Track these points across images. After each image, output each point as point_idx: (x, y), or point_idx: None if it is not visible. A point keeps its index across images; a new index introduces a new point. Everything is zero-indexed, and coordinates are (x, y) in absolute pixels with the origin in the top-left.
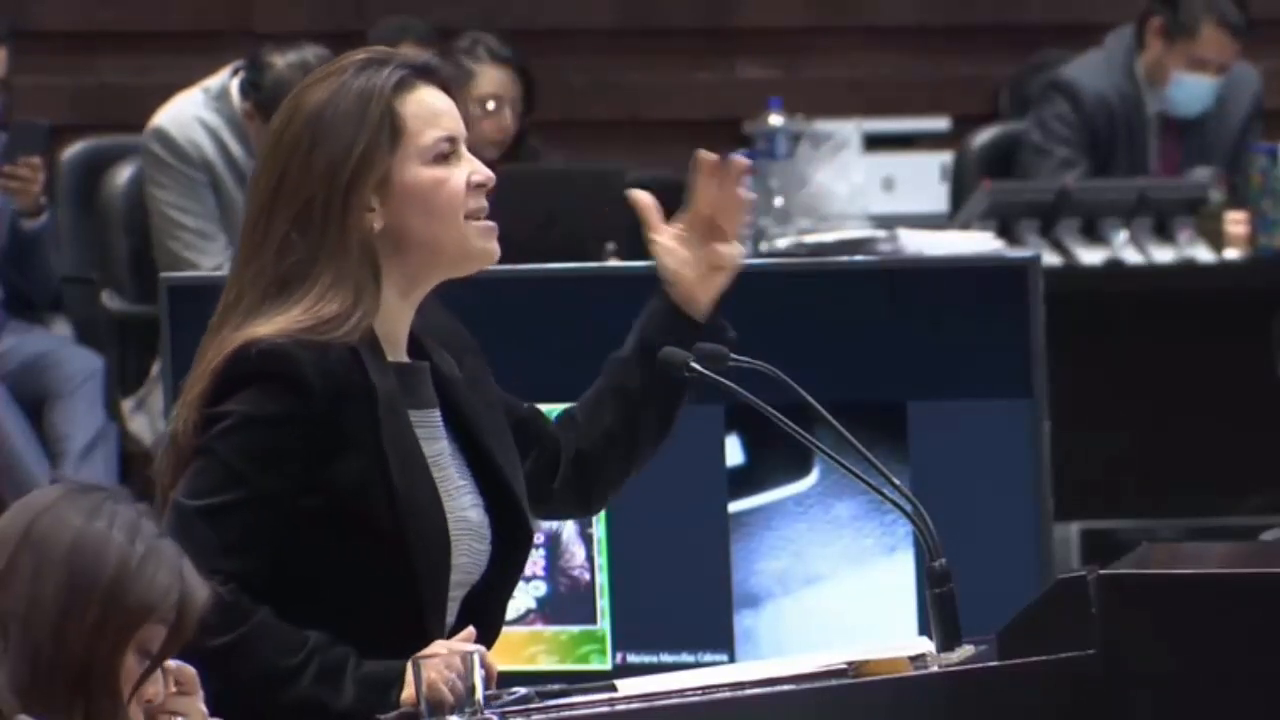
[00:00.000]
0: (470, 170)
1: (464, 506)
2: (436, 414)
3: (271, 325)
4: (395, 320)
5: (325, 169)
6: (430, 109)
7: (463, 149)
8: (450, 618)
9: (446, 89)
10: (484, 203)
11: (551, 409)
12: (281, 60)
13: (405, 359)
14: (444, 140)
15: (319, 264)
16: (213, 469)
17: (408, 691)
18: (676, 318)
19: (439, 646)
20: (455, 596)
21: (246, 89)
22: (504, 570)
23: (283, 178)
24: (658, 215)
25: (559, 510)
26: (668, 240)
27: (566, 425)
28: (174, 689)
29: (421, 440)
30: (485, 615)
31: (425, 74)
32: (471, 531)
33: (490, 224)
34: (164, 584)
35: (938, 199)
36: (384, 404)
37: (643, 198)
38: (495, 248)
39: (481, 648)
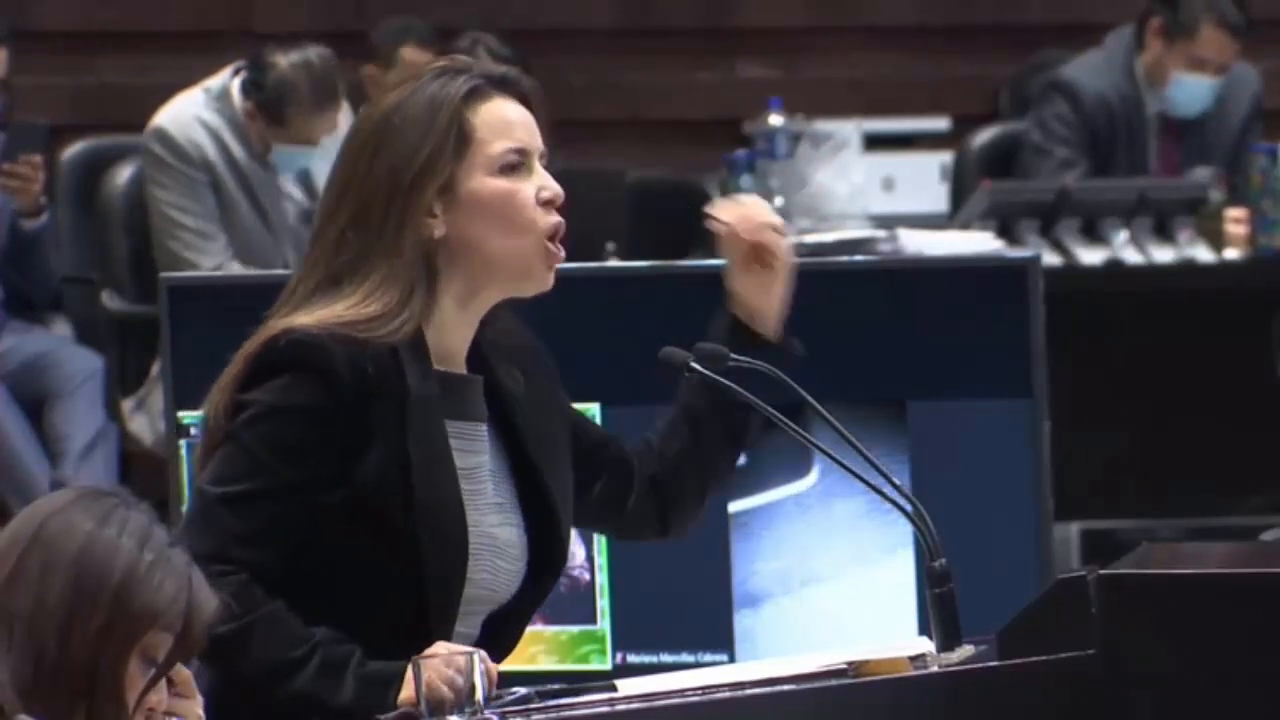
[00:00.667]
0: (540, 185)
1: (493, 523)
2: (483, 428)
3: (311, 316)
4: (451, 330)
5: (388, 170)
6: (502, 119)
7: (535, 163)
8: (473, 630)
9: (526, 102)
10: (556, 218)
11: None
12: (284, 60)
13: (459, 370)
14: (513, 151)
15: (371, 262)
16: (237, 457)
17: (407, 691)
18: (740, 333)
19: (440, 647)
20: (477, 611)
21: (248, 89)
22: (531, 593)
23: (349, 177)
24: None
25: (636, 534)
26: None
27: (643, 450)
28: (172, 691)
29: (457, 451)
30: (504, 634)
31: (502, 85)
32: (496, 549)
33: (559, 253)
34: (170, 592)
35: (938, 199)
36: (416, 407)
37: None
38: (551, 278)
39: (481, 651)
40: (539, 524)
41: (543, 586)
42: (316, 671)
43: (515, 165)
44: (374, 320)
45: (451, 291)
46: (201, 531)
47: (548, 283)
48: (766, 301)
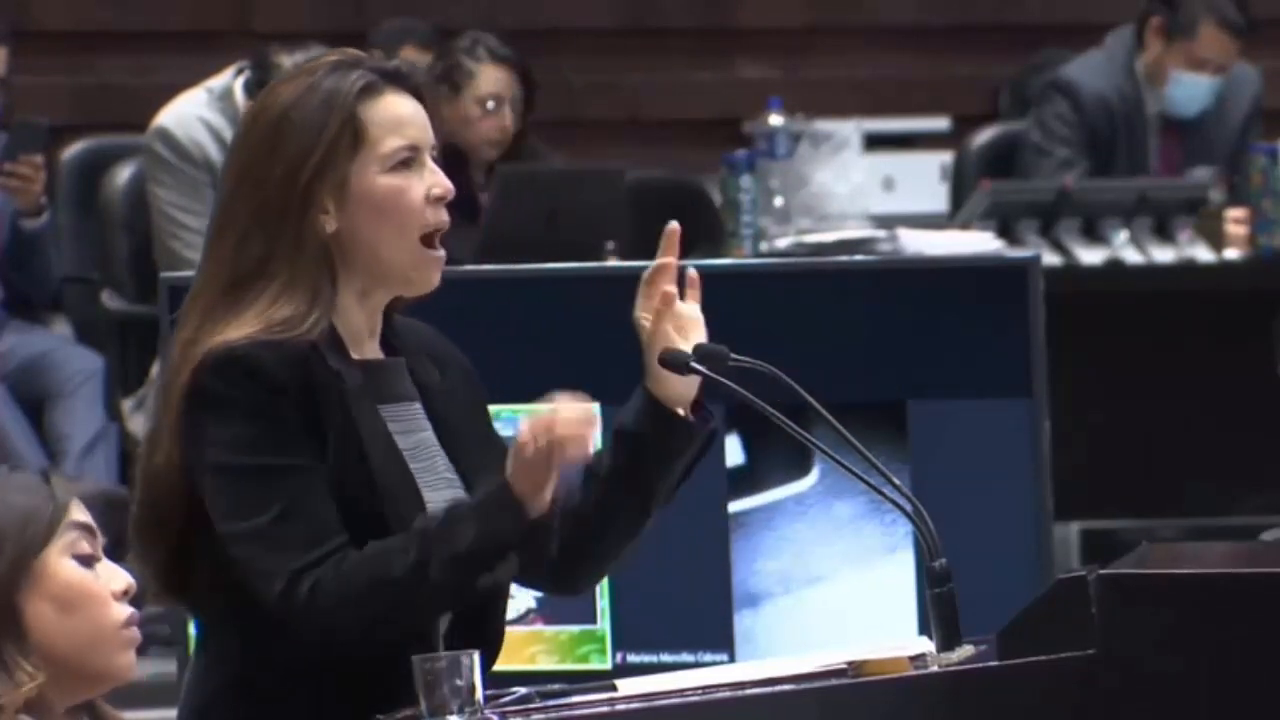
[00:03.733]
0: (431, 183)
1: (447, 498)
2: (417, 406)
3: (226, 333)
4: (356, 319)
5: (285, 169)
6: (394, 116)
7: (427, 159)
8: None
9: (419, 96)
10: (443, 215)
11: None
12: (289, 61)
13: (375, 356)
14: (405, 149)
15: (275, 261)
16: (245, 480)
17: (519, 485)
18: (647, 403)
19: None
20: None
21: (252, 89)
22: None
23: (245, 172)
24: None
25: (537, 583)
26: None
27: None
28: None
29: (396, 433)
30: (487, 618)
31: (395, 80)
32: None
33: (440, 256)
34: (21, 498)
35: (938, 199)
36: (350, 395)
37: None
38: (436, 280)
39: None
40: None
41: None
42: (438, 544)
43: (407, 161)
44: (285, 323)
45: (351, 286)
46: (269, 561)
47: (430, 285)
48: (685, 387)
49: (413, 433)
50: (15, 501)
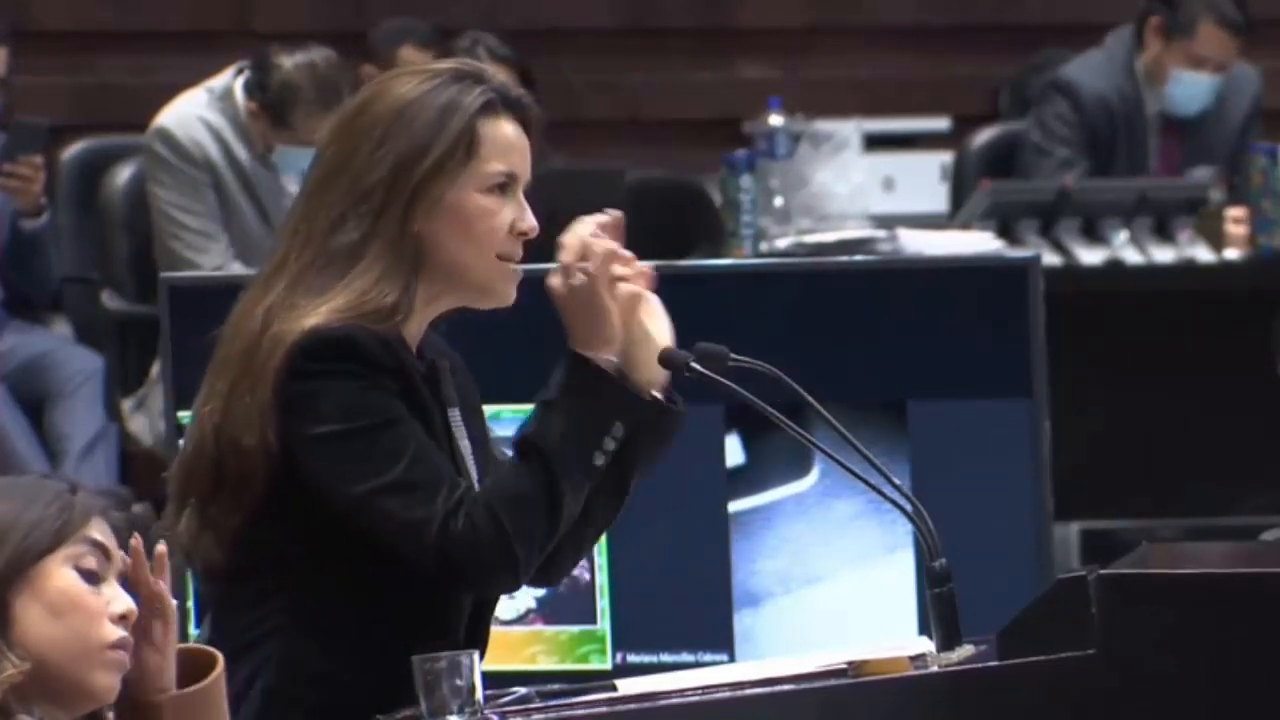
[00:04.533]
0: (519, 216)
1: None
2: (458, 413)
3: (319, 314)
4: (418, 325)
5: (395, 162)
6: (506, 140)
7: (519, 191)
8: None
9: (526, 127)
10: (519, 251)
11: None
12: (289, 61)
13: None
14: (505, 174)
15: (369, 252)
16: (363, 442)
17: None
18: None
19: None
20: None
21: (252, 89)
22: None
23: (350, 157)
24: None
25: None
26: None
27: None
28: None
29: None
30: (482, 619)
31: (512, 106)
32: None
33: (520, 270)
34: (43, 501)
35: (938, 199)
36: (425, 391)
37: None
38: (513, 294)
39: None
40: None
41: None
42: (557, 470)
43: (503, 186)
44: (378, 311)
45: (425, 289)
46: (418, 514)
47: (509, 299)
48: (654, 373)
49: (463, 439)
50: (32, 505)
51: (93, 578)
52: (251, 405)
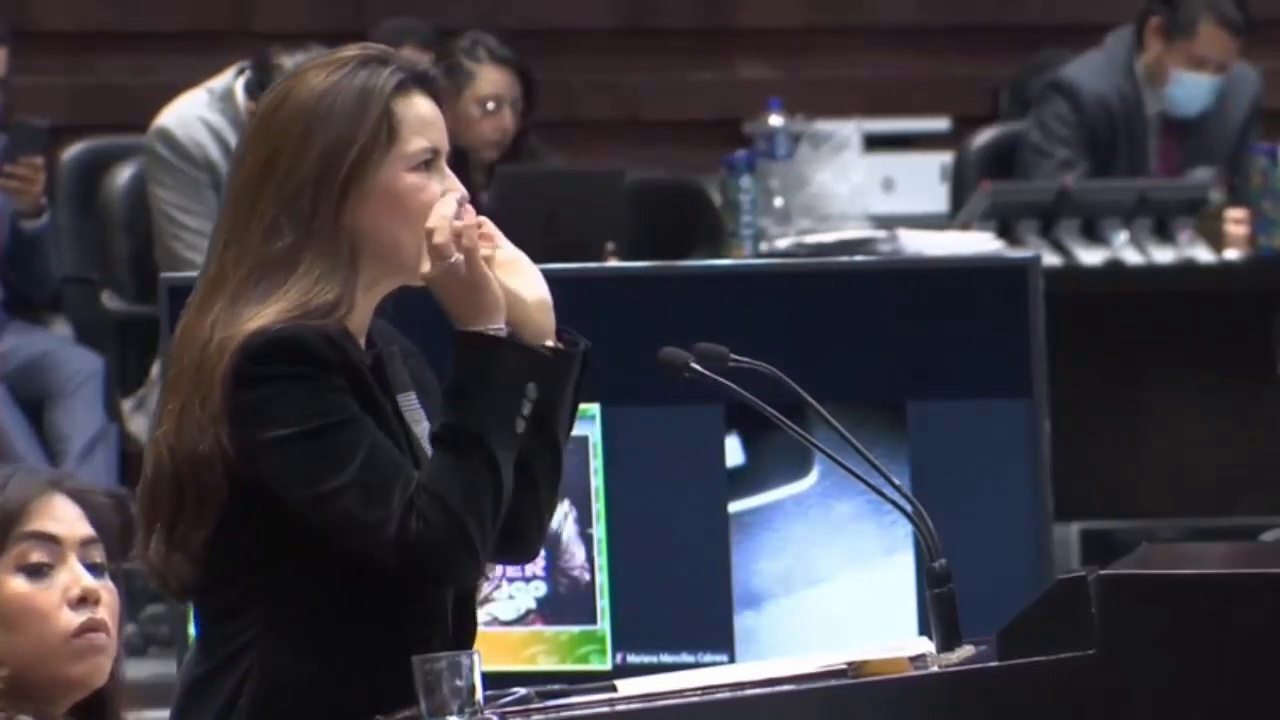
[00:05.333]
0: (446, 187)
1: None
2: (414, 397)
3: (263, 317)
4: (361, 316)
5: (320, 158)
6: (422, 117)
7: (442, 164)
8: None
9: (437, 100)
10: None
11: None
12: (290, 62)
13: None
14: (428, 150)
15: (306, 252)
16: (317, 445)
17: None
18: None
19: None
20: None
21: (253, 89)
22: None
23: (272, 160)
24: None
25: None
26: None
27: None
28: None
29: (411, 422)
30: (466, 609)
31: (422, 82)
32: None
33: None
34: None
35: (938, 199)
36: (374, 384)
37: None
38: None
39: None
40: None
41: None
42: (494, 451)
43: (428, 163)
44: (322, 308)
45: (363, 277)
46: (373, 511)
47: None
48: (542, 317)
49: (418, 423)
50: None
51: (40, 571)
52: (204, 415)
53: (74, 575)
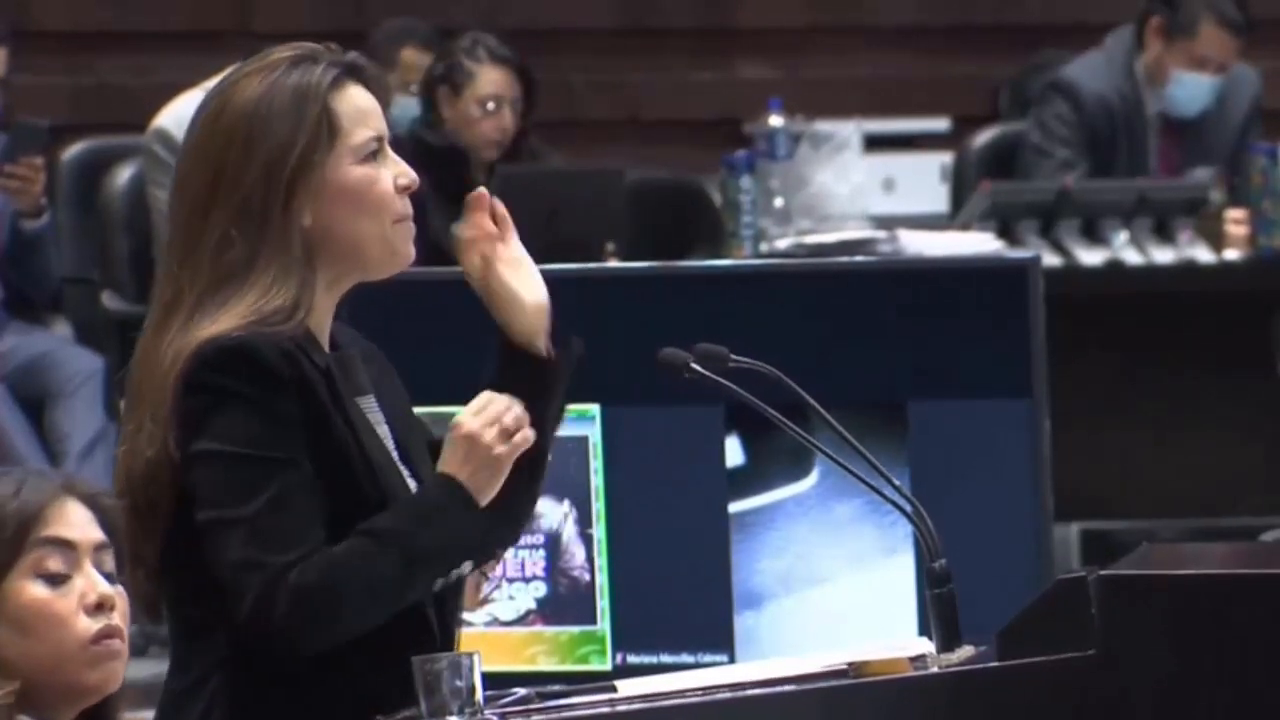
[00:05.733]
0: (396, 173)
1: (413, 487)
2: (373, 400)
3: (218, 325)
4: (322, 314)
5: (264, 165)
6: (360, 108)
7: (388, 149)
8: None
9: (370, 88)
10: (409, 206)
11: None
12: None
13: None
14: (374, 139)
15: (260, 260)
16: (238, 470)
17: (458, 468)
18: (515, 360)
19: (480, 402)
20: None
21: None
22: None
23: (218, 174)
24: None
25: None
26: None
27: None
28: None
29: (374, 424)
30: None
31: (354, 73)
32: None
33: (412, 227)
34: None
35: (938, 199)
36: (342, 390)
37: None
38: (413, 251)
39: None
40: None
41: None
42: (405, 557)
43: (375, 153)
44: (275, 314)
45: (323, 277)
46: (254, 553)
47: (409, 258)
48: (536, 319)
49: (379, 424)
50: None
51: (57, 577)
52: (154, 425)
53: (90, 581)
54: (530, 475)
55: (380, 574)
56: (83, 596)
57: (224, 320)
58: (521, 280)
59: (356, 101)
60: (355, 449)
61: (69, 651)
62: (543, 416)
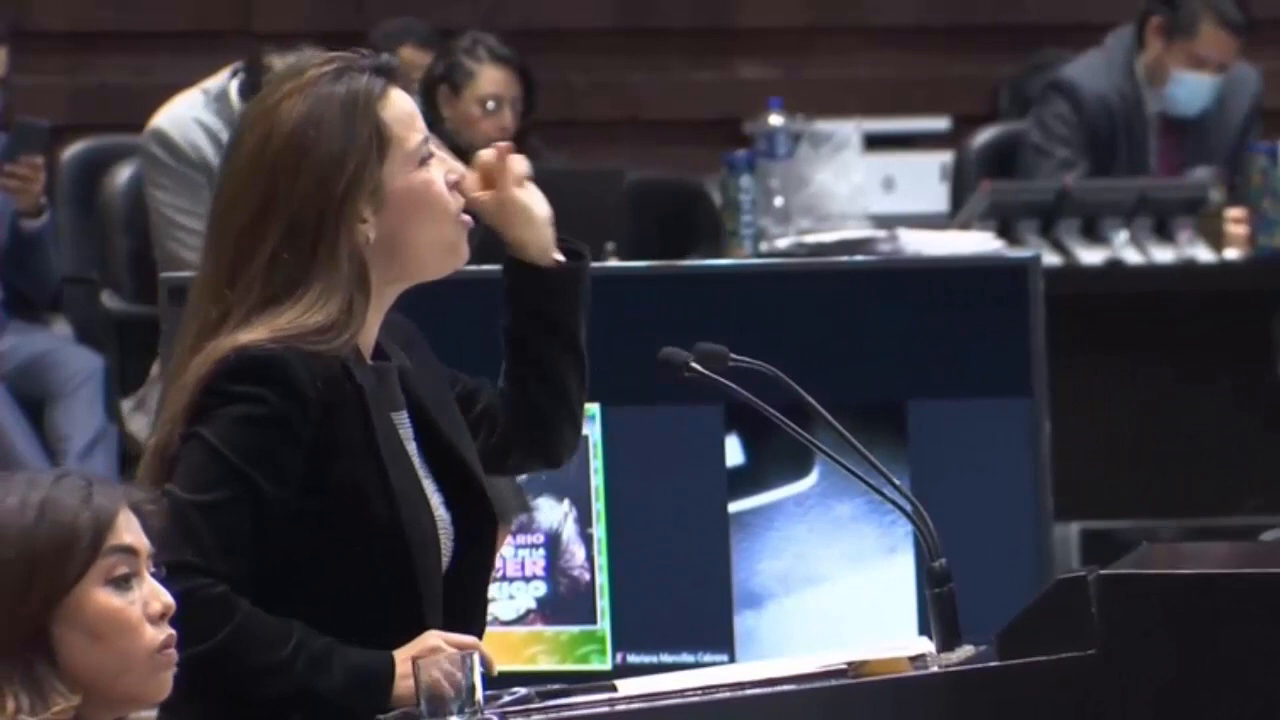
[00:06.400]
0: (446, 170)
1: (437, 505)
2: (405, 415)
3: (253, 334)
4: (372, 324)
5: (317, 185)
6: (408, 111)
7: (433, 147)
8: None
9: (407, 89)
10: (461, 200)
11: None
12: (281, 62)
13: (377, 360)
14: (424, 141)
15: (308, 278)
16: (212, 464)
17: (404, 685)
18: (525, 271)
19: (435, 639)
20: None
21: (246, 90)
22: (476, 558)
23: (269, 194)
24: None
25: (526, 466)
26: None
27: (504, 395)
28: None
29: (405, 440)
30: (467, 605)
31: (389, 75)
32: (445, 529)
33: (469, 221)
34: (66, 521)
35: (938, 199)
36: (373, 409)
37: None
38: (467, 251)
39: (479, 643)
40: (460, 494)
41: (484, 548)
42: (305, 668)
43: (428, 156)
44: (322, 331)
45: (375, 289)
46: (177, 542)
47: (466, 255)
48: (542, 230)
49: (408, 440)
50: (58, 525)
51: (125, 584)
52: (175, 410)
53: (153, 590)
54: (578, 379)
55: (265, 663)
56: (146, 605)
57: (260, 331)
58: (532, 196)
59: (402, 106)
60: (376, 477)
61: (136, 661)
62: (574, 323)
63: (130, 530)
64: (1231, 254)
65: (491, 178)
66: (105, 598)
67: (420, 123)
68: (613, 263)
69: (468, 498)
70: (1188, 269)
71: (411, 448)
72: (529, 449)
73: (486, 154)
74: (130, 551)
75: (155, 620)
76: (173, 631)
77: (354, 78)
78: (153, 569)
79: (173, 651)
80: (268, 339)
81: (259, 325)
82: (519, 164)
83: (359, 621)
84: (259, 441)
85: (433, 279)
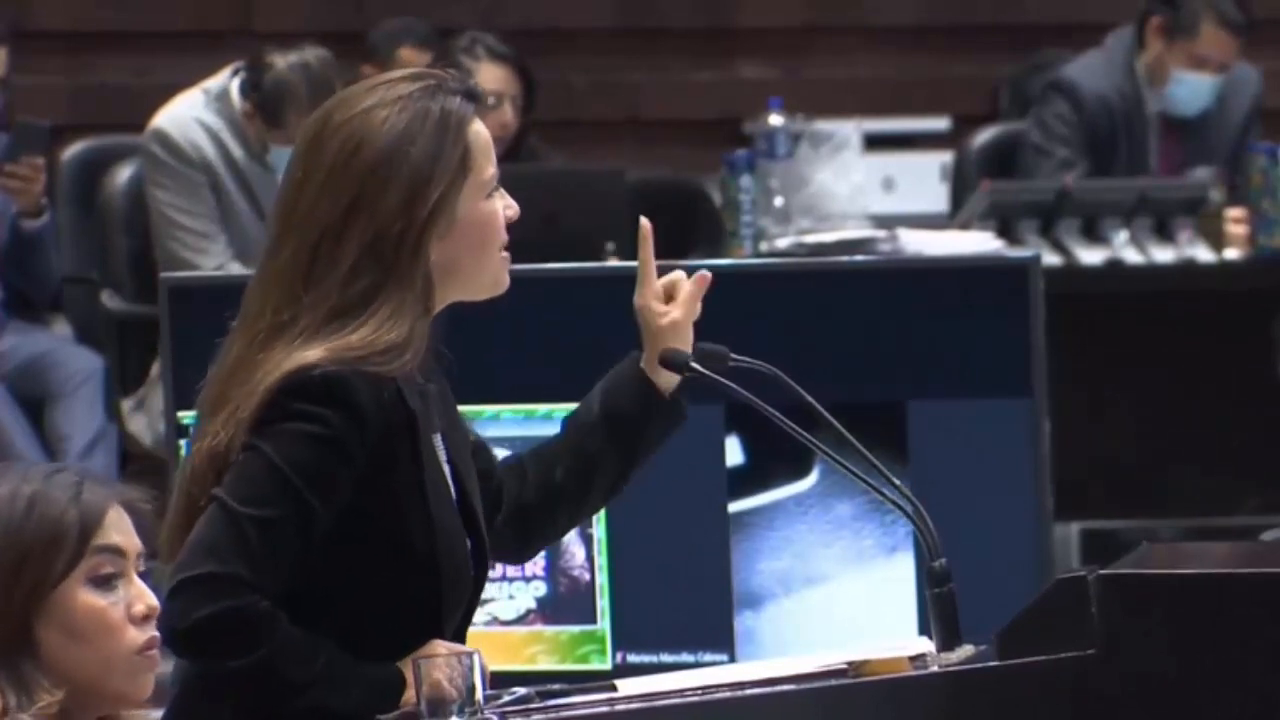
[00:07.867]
0: (505, 204)
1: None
2: (439, 438)
3: (326, 352)
4: (424, 347)
5: (405, 201)
6: (486, 141)
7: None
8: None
9: (484, 115)
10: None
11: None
12: (282, 61)
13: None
14: (495, 174)
15: (383, 293)
16: (269, 480)
17: (409, 693)
18: (644, 386)
19: (439, 647)
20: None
21: (246, 89)
22: (477, 592)
23: (355, 204)
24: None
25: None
26: (653, 297)
27: (514, 472)
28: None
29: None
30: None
31: (475, 99)
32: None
33: (508, 256)
34: (53, 517)
35: (938, 199)
36: (422, 435)
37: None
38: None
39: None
40: (470, 526)
41: (480, 586)
42: (331, 685)
43: (495, 189)
44: (385, 353)
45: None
46: (226, 547)
47: (505, 284)
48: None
49: (444, 463)
50: (45, 520)
51: (110, 584)
52: (233, 423)
53: (138, 590)
54: (602, 503)
55: (300, 678)
56: (130, 606)
57: (334, 348)
58: (688, 331)
59: (484, 135)
60: (419, 507)
61: (117, 661)
62: (648, 452)
63: (119, 530)
64: (1231, 254)
65: (674, 293)
66: (88, 597)
67: (494, 154)
68: (613, 263)
69: (474, 529)
70: (1188, 269)
71: (447, 469)
72: (515, 528)
73: (680, 275)
74: (117, 551)
75: (138, 622)
76: (156, 634)
77: (448, 98)
78: (142, 569)
79: (155, 653)
80: (336, 358)
81: (331, 339)
82: (701, 288)
83: (377, 644)
84: (318, 462)
85: (476, 297)
